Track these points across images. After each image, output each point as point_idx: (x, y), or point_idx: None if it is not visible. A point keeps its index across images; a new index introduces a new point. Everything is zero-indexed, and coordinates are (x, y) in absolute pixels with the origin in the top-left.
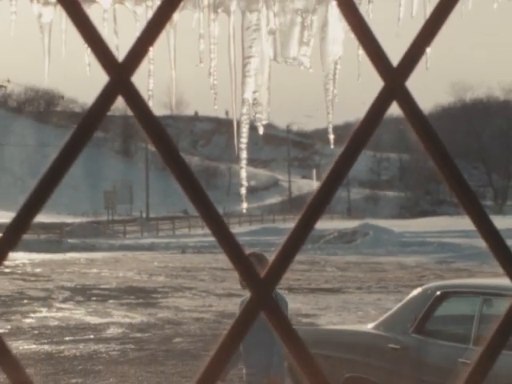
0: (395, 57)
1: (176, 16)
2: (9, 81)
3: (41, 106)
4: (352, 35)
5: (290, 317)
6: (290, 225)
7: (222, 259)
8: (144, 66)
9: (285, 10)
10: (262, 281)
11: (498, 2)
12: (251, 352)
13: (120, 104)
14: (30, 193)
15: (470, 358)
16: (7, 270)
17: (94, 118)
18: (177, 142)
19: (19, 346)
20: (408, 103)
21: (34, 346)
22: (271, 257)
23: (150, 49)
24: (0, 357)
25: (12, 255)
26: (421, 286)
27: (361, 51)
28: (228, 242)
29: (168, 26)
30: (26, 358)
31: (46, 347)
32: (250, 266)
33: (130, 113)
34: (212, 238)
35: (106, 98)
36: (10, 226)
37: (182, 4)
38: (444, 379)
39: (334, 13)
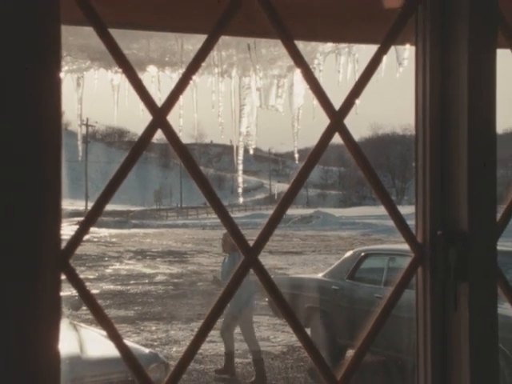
0: (337, 104)
1: (197, 79)
2: (96, 122)
3: (115, 138)
4: (309, 91)
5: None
6: (270, 212)
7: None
8: (176, 110)
9: (266, 75)
10: (251, 248)
11: (399, 72)
12: None
13: (162, 135)
14: (101, 191)
15: (381, 294)
16: (95, 240)
17: (142, 143)
18: (198, 160)
19: (102, 287)
20: (346, 134)
21: (112, 287)
22: (258, 232)
23: (180, 98)
24: (88, 304)
25: (98, 230)
26: (352, 249)
27: (315, 101)
28: (229, 223)
29: (192, 85)
30: (107, 293)
31: (119, 287)
32: (243, 239)
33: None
34: None
35: (149, 131)
36: (89, 212)
37: (200, 71)
38: (366, 307)
39: (298, 77)
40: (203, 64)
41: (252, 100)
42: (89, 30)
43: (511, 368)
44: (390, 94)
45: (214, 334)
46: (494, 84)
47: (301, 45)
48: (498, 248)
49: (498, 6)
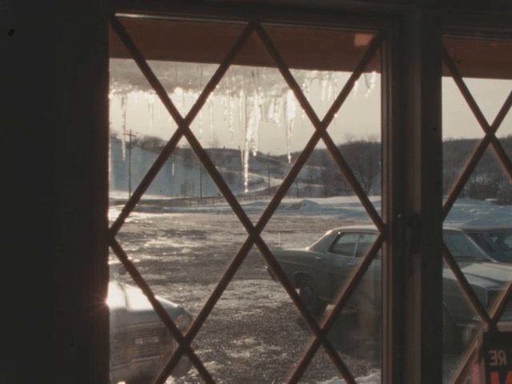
0: (320, 117)
1: (213, 98)
2: (137, 132)
3: (151, 144)
4: (299, 107)
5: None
6: (269, 200)
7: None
8: (196, 122)
9: (266, 95)
10: (254, 228)
11: (368, 92)
12: None
13: (186, 141)
14: (138, 185)
15: (353, 263)
16: (136, 221)
17: (170, 147)
18: (214, 161)
19: (142, 257)
20: (328, 140)
21: (149, 257)
22: (260, 216)
23: (200, 113)
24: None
25: (138, 214)
26: (331, 229)
27: (304, 115)
28: (237, 209)
29: (208, 102)
30: (145, 262)
31: (155, 257)
32: (248, 221)
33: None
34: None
35: (175, 138)
36: (128, 200)
37: (215, 92)
38: (342, 273)
39: (291, 96)
40: (217, 86)
41: (255, 114)
42: (131, 62)
43: (448, 318)
44: (360, 110)
45: (226, 292)
46: (440, 103)
47: (293, 72)
48: (443, 228)
49: (442, 43)
